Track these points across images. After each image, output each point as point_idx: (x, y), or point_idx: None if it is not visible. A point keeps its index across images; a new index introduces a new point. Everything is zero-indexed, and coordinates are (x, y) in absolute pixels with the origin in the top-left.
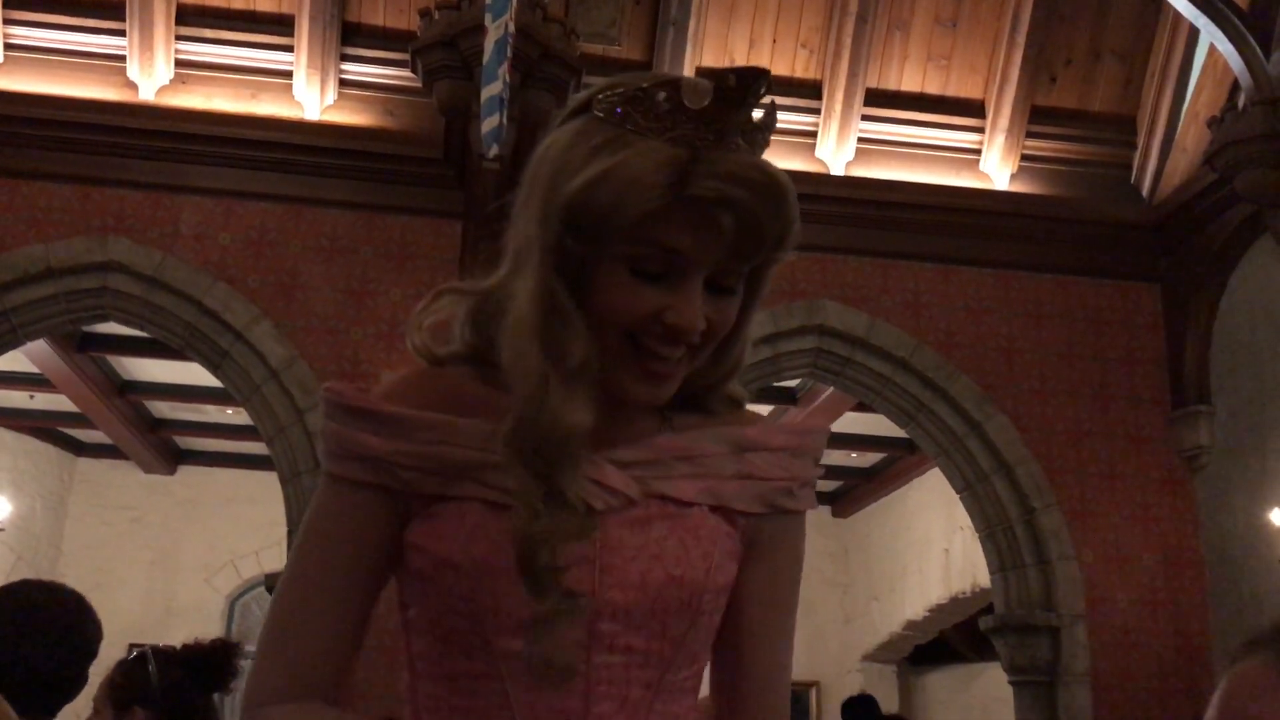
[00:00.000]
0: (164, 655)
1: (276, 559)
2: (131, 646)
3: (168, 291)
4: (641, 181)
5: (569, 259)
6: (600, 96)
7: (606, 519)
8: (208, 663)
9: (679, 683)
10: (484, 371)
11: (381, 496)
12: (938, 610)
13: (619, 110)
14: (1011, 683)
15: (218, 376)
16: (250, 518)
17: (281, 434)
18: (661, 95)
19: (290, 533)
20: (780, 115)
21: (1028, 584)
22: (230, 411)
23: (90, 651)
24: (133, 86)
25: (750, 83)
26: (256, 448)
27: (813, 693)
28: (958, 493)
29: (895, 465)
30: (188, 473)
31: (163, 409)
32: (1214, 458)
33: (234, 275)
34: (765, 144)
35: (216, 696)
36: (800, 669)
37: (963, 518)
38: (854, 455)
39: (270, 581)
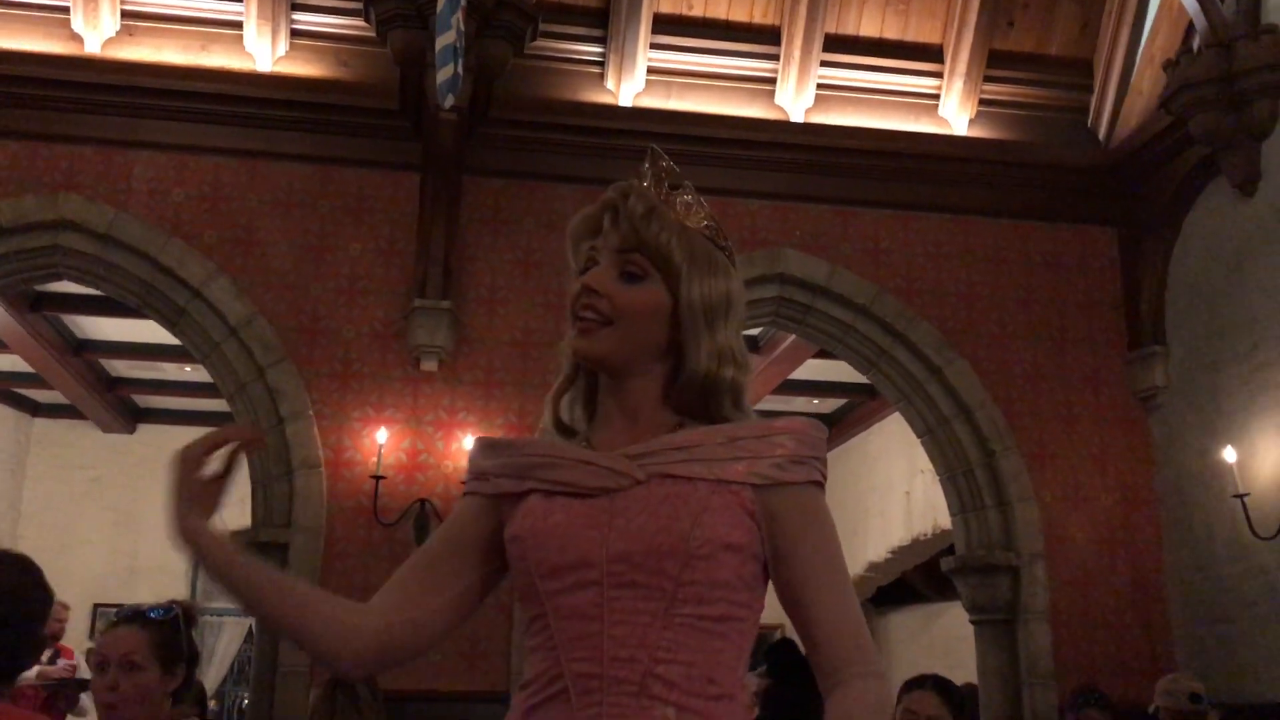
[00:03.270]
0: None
1: (240, 516)
2: (96, 607)
3: (122, 249)
4: (578, 217)
5: None
6: None
7: (618, 496)
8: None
9: (694, 621)
10: None
11: (484, 502)
12: (899, 552)
13: None
14: (973, 621)
15: (176, 334)
16: None
17: (242, 391)
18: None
19: (255, 489)
20: (739, 62)
21: (988, 525)
22: (189, 369)
23: (36, 615)
24: (78, 39)
25: (653, 159)
26: (217, 405)
27: (777, 634)
28: (919, 437)
29: (856, 411)
30: (148, 431)
31: (120, 367)
32: (1169, 397)
33: (189, 231)
34: (672, 191)
35: None
36: (765, 612)
37: (923, 461)
38: (815, 402)
39: (231, 535)
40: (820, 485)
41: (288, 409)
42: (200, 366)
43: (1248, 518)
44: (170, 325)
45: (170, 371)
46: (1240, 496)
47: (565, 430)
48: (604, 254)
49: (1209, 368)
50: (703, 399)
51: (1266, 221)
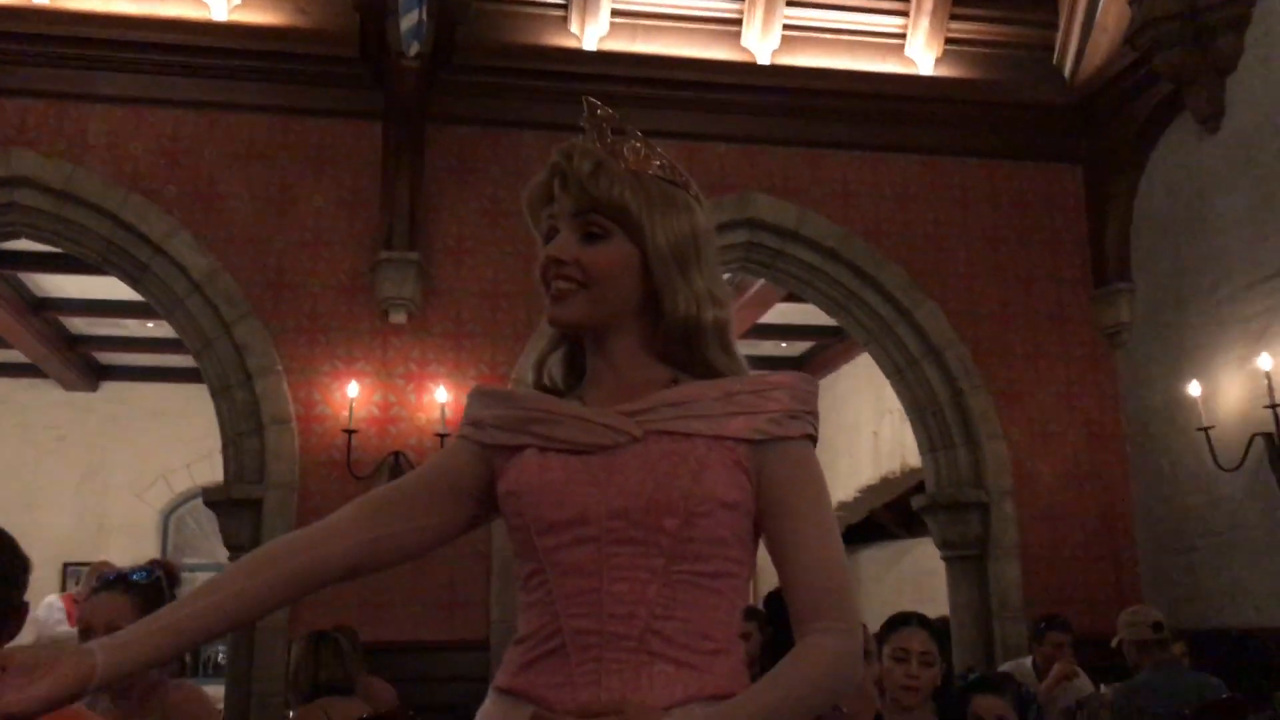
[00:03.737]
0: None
1: (208, 472)
2: (67, 566)
3: (80, 205)
4: (531, 184)
5: None
6: None
7: (616, 453)
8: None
9: (691, 577)
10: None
11: (476, 449)
12: (868, 491)
13: None
14: (944, 558)
15: (139, 291)
16: (179, 431)
17: (209, 347)
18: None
19: (226, 446)
20: (705, 3)
21: (957, 464)
22: (151, 325)
23: (15, 584)
24: None
25: (588, 112)
26: (181, 361)
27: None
28: (888, 378)
29: (824, 353)
30: (111, 388)
31: (80, 325)
32: (1134, 334)
33: (148, 186)
34: (616, 137)
35: None
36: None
37: (891, 401)
38: (784, 345)
39: (208, 494)
40: (813, 439)
41: (255, 364)
42: (163, 322)
43: (1211, 450)
44: (133, 282)
45: (132, 328)
46: (1204, 430)
47: (551, 392)
48: (561, 220)
49: (1174, 304)
50: (687, 345)
51: (1231, 157)
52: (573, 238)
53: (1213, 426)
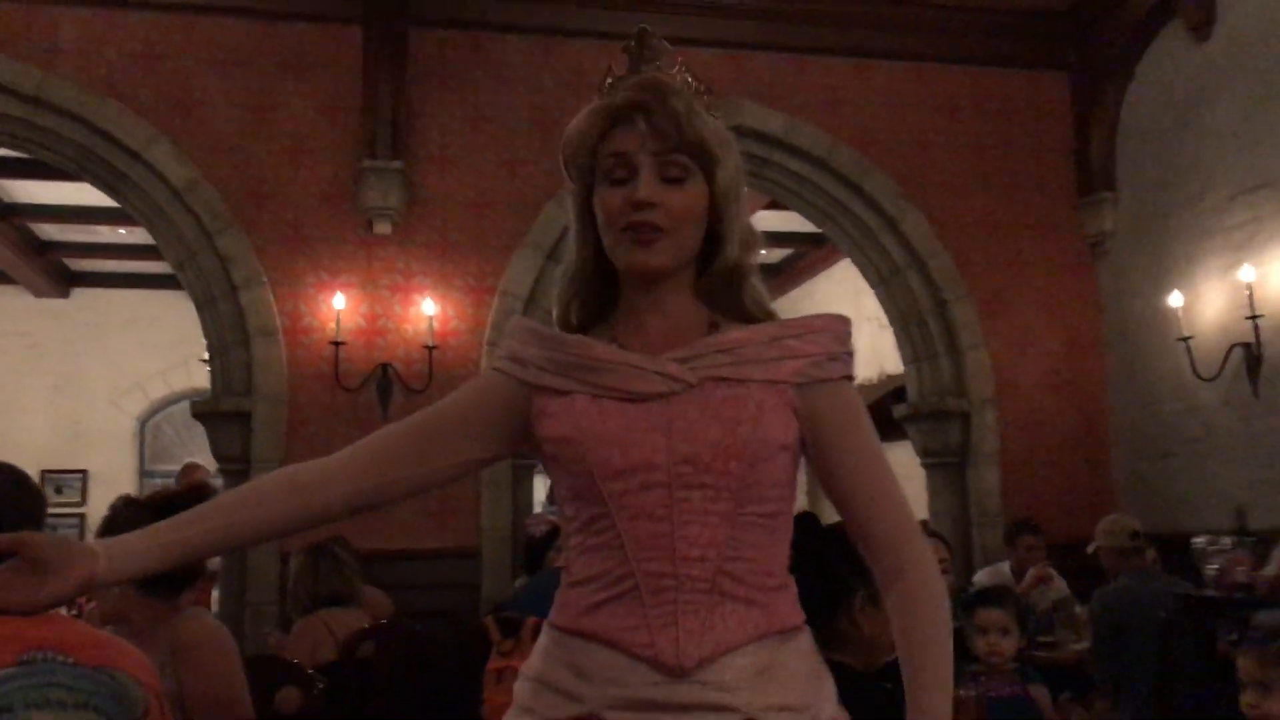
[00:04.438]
0: (136, 506)
1: (184, 379)
2: (44, 474)
3: (53, 112)
4: (588, 114)
5: (582, 210)
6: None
7: (673, 400)
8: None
9: (755, 519)
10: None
11: (516, 386)
12: (858, 405)
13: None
14: (924, 465)
15: (117, 200)
16: (154, 338)
17: (192, 259)
18: (608, 80)
19: (212, 358)
20: None
21: (940, 373)
22: (124, 231)
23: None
24: None
25: (638, 40)
26: (155, 267)
27: None
28: (872, 288)
29: (803, 260)
30: (83, 295)
31: (50, 231)
32: (1117, 243)
33: (124, 93)
34: (669, 66)
35: None
36: None
37: (870, 308)
38: (764, 253)
39: (196, 407)
40: (852, 378)
41: (240, 276)
42: (136, 228)
43: (1191, 360)
44: (112, 191)
45: (104, 234)
46: (1184, 340)
47: (578, 330)
48: (640, 157)
49: (1157, 214)
50: (728, 288)
51: (1220, 65)
52: (654, 178)
53: (1192, 336)
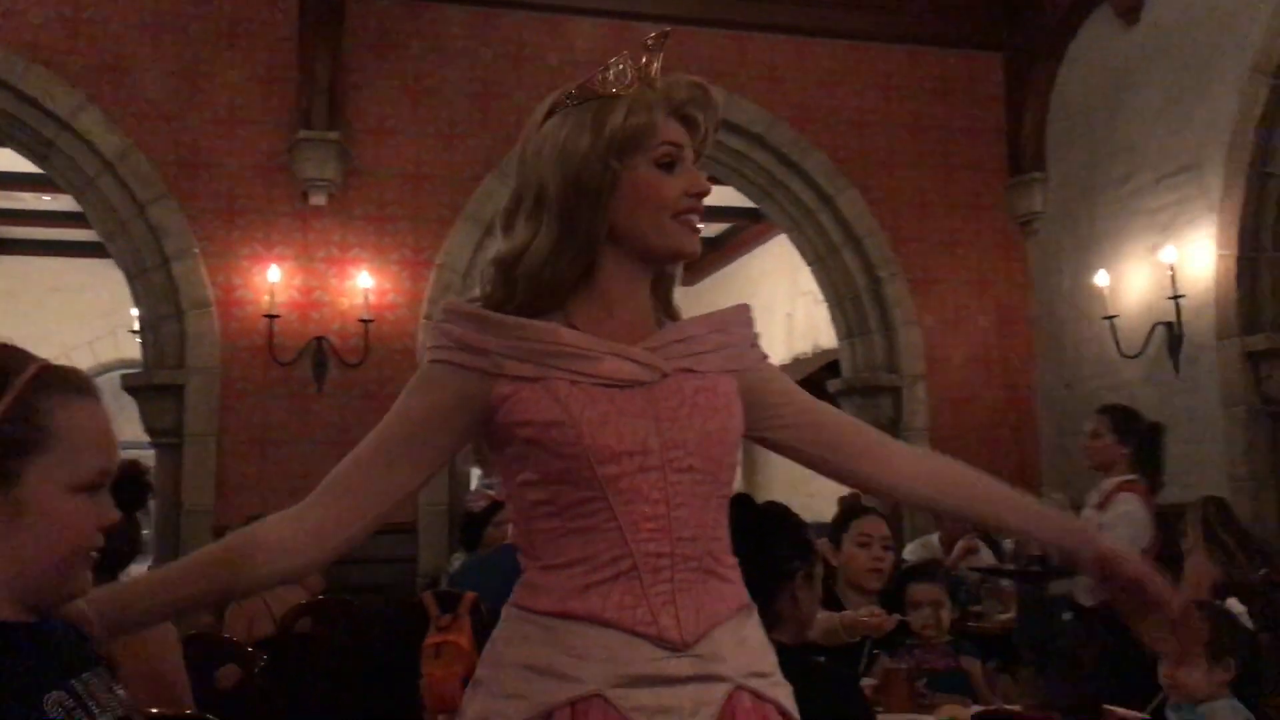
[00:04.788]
0: None
1: (112, 349)
2: None
3: None
4: (653, 107)
5: (600, 188)
6: (562, 98)
7: (652, 388)
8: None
9: (720, 501)
10: (505, 308)
11: (475, 377)
12: (780, 370)
13: (581, 92)
14: None
15: (45, 169)
16: (80, 307)
17: (123, 230)
18: (609, 72)
19: (143, 330)
20: None
21: (873, 349)
22: (48, 199)
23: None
24: None
25: (658, 37)
26: (81, 235)
27: None
28: (809, 265)
29: (740, 234)
30: (5, 262)
31: None
32: (1046, 223)
33: (51, 58)
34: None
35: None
36: None
37: (805, 283)
38: (701, 227)
39: (127, 380)
40: (768, 358)
41: (173, 247)
42: (62, 195)
43: (1115, 338)
44: (39, 160)
45: (27, 200)
46: (1109, 318)
47: (548, 293)
48: (688, 151)
49: (1085, 194)
50: (670, 284)
51: (1147, 51)
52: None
53: (1117, 315)
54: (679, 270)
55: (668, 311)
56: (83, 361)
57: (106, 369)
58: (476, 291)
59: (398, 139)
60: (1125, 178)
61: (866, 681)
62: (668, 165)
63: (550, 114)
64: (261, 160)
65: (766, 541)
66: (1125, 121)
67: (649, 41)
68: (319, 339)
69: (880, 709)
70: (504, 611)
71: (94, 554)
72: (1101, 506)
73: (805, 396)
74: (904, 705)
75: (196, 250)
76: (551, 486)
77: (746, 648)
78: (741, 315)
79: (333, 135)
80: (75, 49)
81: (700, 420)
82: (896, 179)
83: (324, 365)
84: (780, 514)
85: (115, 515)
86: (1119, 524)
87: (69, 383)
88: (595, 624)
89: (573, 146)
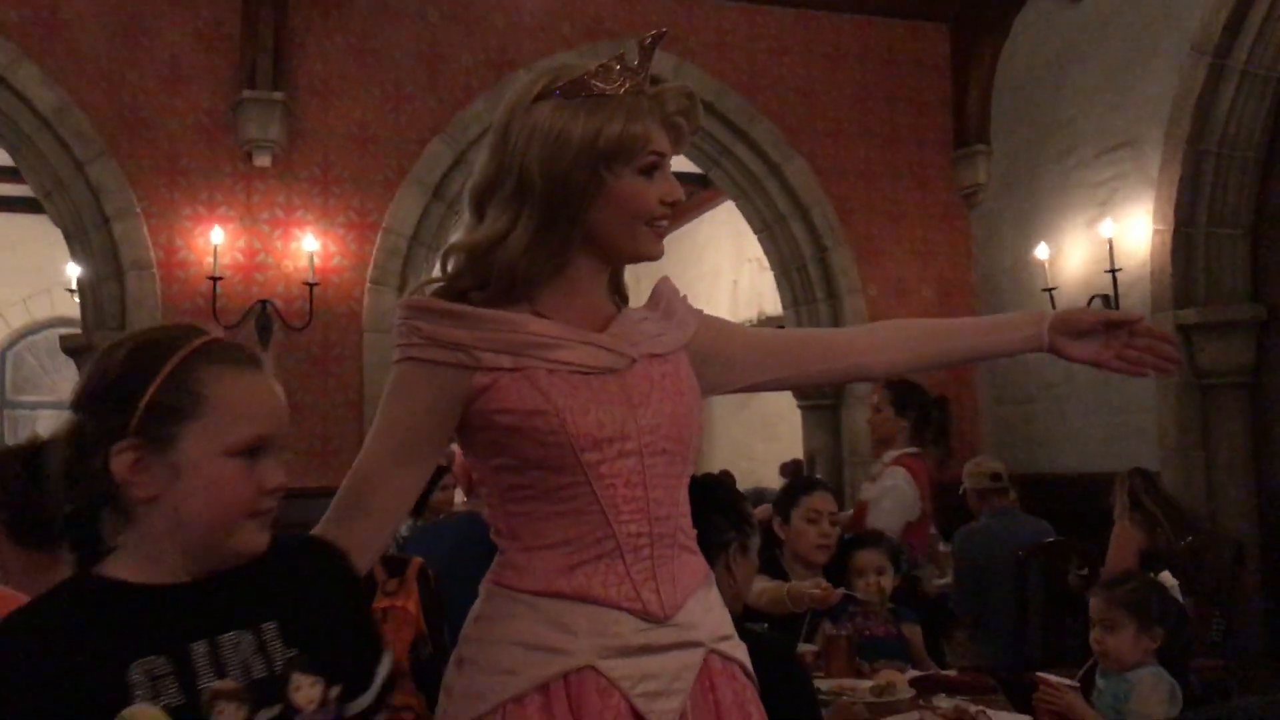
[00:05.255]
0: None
1: (47, 307)
2: None
3: None
4: (647, 117)
5: (586, 190)
6: (560, 84)
7: (624, 375)
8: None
9: (686, 476)
10: (472, 297)
11: (456, 373)
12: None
13: (583, 87)
14: (800, 406)
15: None
16: (14, 264)
17: (61, 189)
18: (616, 66)
19: (82, 291)
20: None
21: (818, 317)
22: None
23: None
24: None
25: (654, 39)
26: (12, 190)
27: None
28: (756, 234)
29: (687, 200)
30: None
31: None
32: (989, 195)
33: None
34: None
35: None
36: None
37: (751, 250)
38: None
39: (65, 341)
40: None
41: (113, 207)
42: None
43: (1054, 309)
44: None
45: None
46: (1049, 290)
47: (523, 288)
48: (666, 159)
49: (1028, 167)
50: (621, 274)
51: (1089, 26)
52: None
53: (1056, 288)
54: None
55: (618, 292)
56: (17, 319)
57: (42, 326)
58: (435, 273)
59: (343, 100)
60: (1067, 152)
61: (809, 647)
62: (649, 172)
63: (540, 97)
64: (204, 120)
65: (703, 513)
66: (1067, 96)
67: (645, 42)
68: (263, 302)
69: (821, 674)
70: (484, 590)
71: (264, 515)
72: (874, 479)
73: (753, 331)
74: (845, 671)
75: (138, 210)
76: (532, 472)
77: (713, 614)
78: (670, 288)
79: (277, 95)
80: (10, 2)
81: (670, 404)
82: (843, 149)
83: (268, 329)
84: (717, 486)
85: (280, 480)
86: (883, 498)
87: (228, 354)
88: (583, 601)
89: (564, 144)
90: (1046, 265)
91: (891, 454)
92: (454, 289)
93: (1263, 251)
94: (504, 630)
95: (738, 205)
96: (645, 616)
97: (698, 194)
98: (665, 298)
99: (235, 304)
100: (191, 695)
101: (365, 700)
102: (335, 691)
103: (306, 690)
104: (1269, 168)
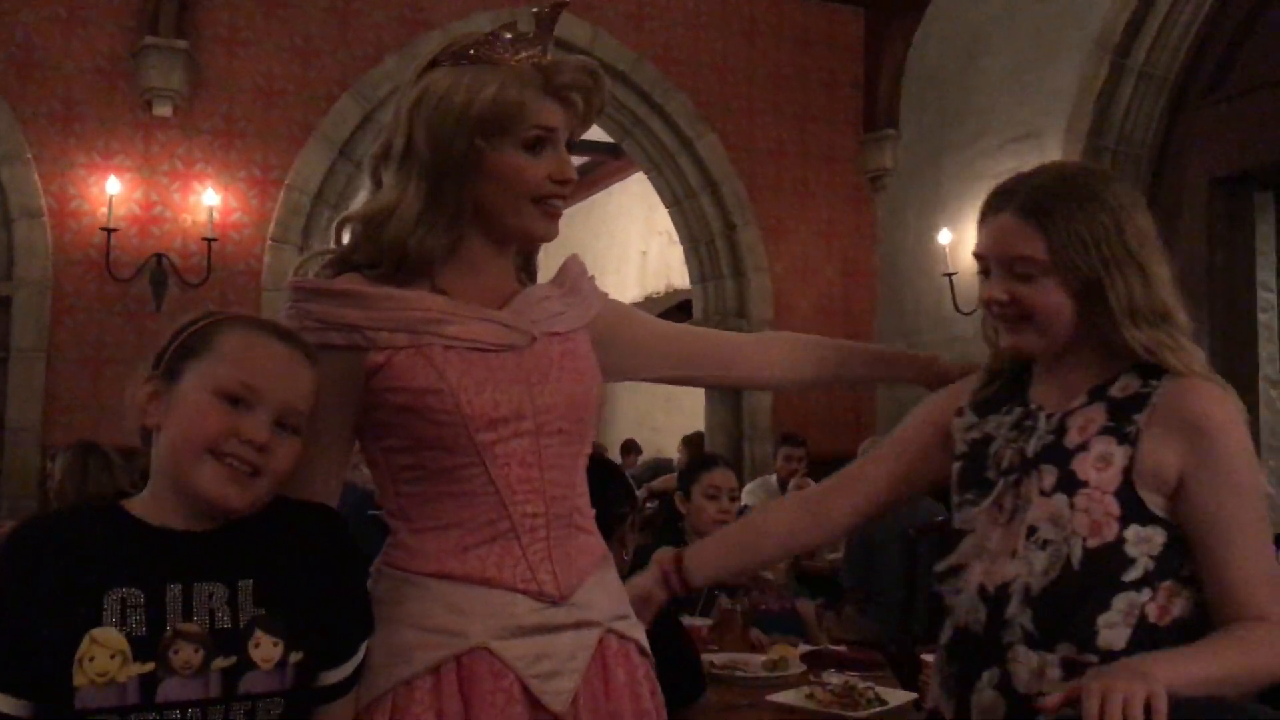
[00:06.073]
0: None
1: None
2: None
3: None
4: (514, 83)
5: (465, 161)
6: (452, 50)
7: (522, 353)
8: None
9: (583, 456)
10: (367, 273)
11: (350, 354)
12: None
13: (472, 52)
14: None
15: None
16: None
17: None
18: (507, 35)
19: None
20: None
21: (724, 294)
22: None
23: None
24: None
25: (554, 11)
26: None
27: None
28: (667, 208)
29: (597, 170)
30: None
31: None
32: (895, 179)
33: None
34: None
35: None
36: None
37: (661, 222)
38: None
39: None
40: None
41: (1, 151)
42: None
43: (953, 294)
44: None
45: None
46: (949, 275)
47: (417, 266)
48: (561, 133)
49: (934, 153)
50: (533, 252)
51: (998, 17)
52: (566, 155)
53: (956, 273)
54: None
55: (527, 271)
56: None
57: None
58: (330, 245)
59: (249, 51)
60: (972, 140)
61: (704, 621)
62: (536, 148)
63: (434, 63)
64: (102, 64)
65: (599, 490)
66: (975, 85)
67: (543, 10)
68: (159, 256)
69: (715, 649)
70: (376, 571)
71: (237, 466)
72: None
73: (657, 323)
74: (738, 645)
75: (29, 155)
76: (424, 452)
77: (609, 593)
78: (579, 266)
79: (180, 44)
80: None
81: (568, 384)
82: (754, 126)
83: (163, 283)
84: (608, 464)
85: (259, 433)
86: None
87: (258, 322)
88: (476, 584)
89: (444, 111)
90: (948, 250)
91: None
92: (348, 263)
93: None
94: (396, 612)
95: (649, 178)
96: (540, 598)
97: (609, 164)
98: (572, 276)
99: (130, 256)
100: (155, 631)
101: (342, 673)
102: (296, 657)
103: (266, 649)
104: (1160, 167)
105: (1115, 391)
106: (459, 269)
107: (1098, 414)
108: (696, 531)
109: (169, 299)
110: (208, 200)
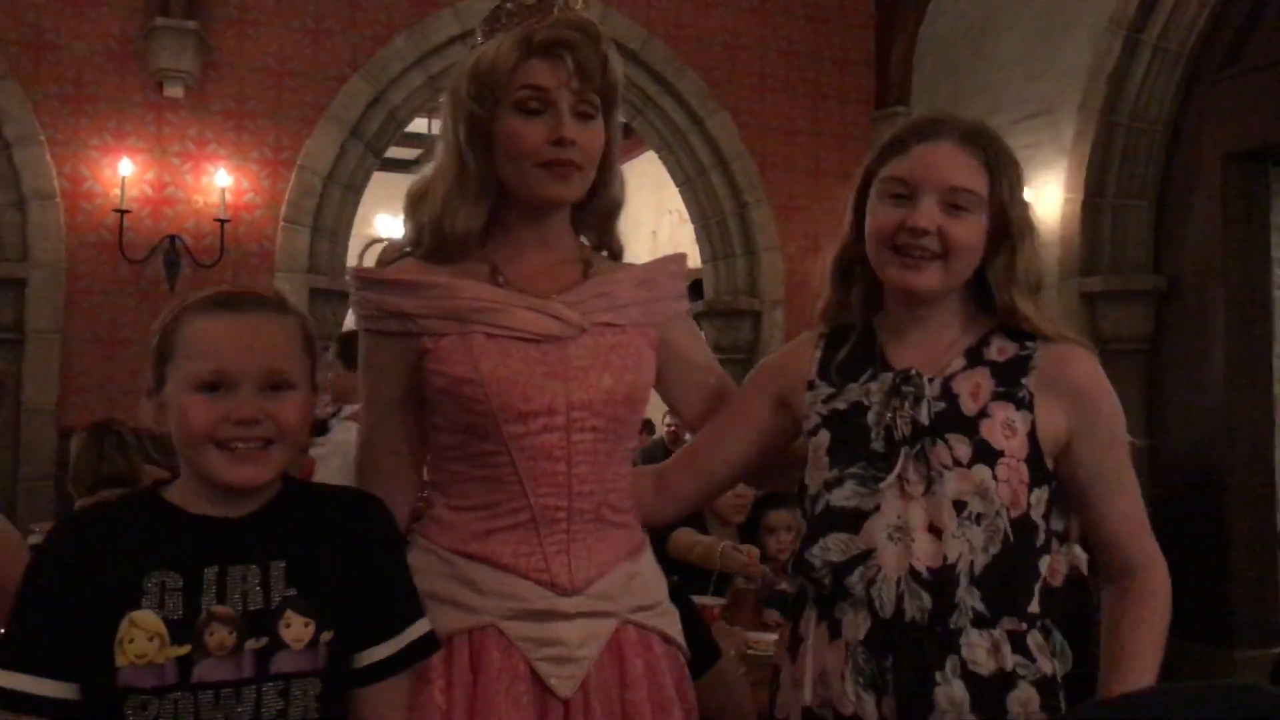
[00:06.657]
0: None
1: None
2: None
3: None
4: (503, 45)
5: (476, 132)
6: (479, 27)
7: (567, 344)
8: None
9: (623, 453)
10: (422, 259)
11: (404, 339)
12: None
13: (486, 28)
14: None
15: None
16: None
17: None
18: (508, 4)
19: None
20: None
21: (735, 272)
22: None
23: None
24: None
25: None
26: None
27: None
28: (678, 186)
29: None
30: None
31: None
32: None
33: None
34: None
35: None
36: None
37: (671, 201)
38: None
39: None
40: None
41: (14, 132)
42: None
43: None
44: None
45: None
46: None
47: (454, 244)
48: (561, 93)
49: None
50: (605, 222)
51: None
52: (570, 116)
53: None
54: (619, 209)
55: (604, 244)
56: None
57: None
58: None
59: (261, 31)
60: (985, 117)
61: (718, 600)
62: (532, 111)
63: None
64: (114, 46)
65: None
66: (988, 63)
67: None
68: (172, 237)
69: (728, 625)
70: (410, 540)
71: (242, 447)
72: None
73: (713, 368)
74: (751, 624)
75: (41, 137)
76: (459, 435)
77: (636, 585)
78: (671, 266)
79: (191, 24)
80: None
81: (610, 380)
82: (766, 104)
83: (177, 265)
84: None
85: (244, 411)
86: (333, 454)
87: (211, 302)
88: (493, 566)
89: (454, 89)
90: None
91: (349, 409)
92: (413, 246)
93: (1165, 224)
94: (419, 582)
95: (661, 157)
96: (552, 588)
97: (620, 143)
98: (659, 272)
99: (143, 238)
100: (192, 613)
101: (383, 651)
102: (327, 636)
103: (296, 629)
104: (1174, 142)
105: (994, 355)
106: (507, 245)
107: (983, 378)
108: (713, 514)
109: (182, 280)
110: (220, 181)
